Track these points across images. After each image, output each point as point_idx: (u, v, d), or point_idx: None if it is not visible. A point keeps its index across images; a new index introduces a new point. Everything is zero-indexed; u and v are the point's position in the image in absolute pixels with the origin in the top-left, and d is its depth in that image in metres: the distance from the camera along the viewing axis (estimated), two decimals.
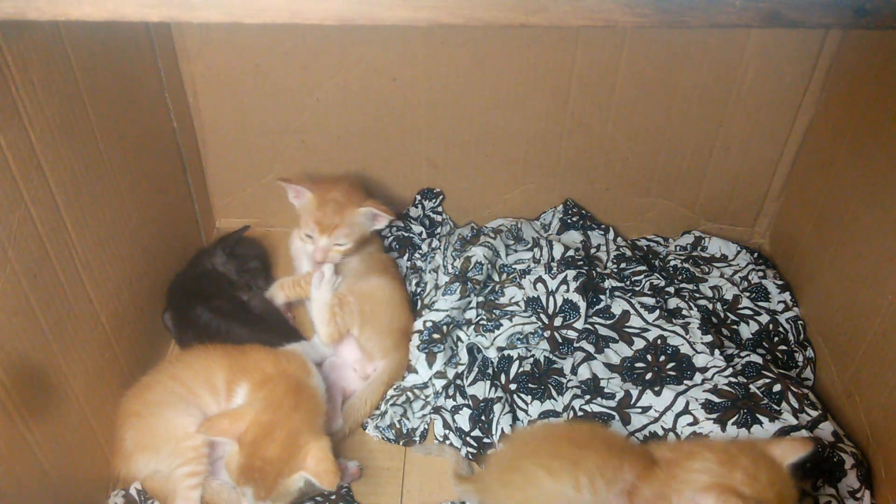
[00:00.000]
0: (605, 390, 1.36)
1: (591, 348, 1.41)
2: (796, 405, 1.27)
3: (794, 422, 1.23)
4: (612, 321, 1.45)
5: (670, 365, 1.37)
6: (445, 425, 1.39)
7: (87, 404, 1.21)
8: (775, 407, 1.26)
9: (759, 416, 1.24)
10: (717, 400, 1.28)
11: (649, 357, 1.39)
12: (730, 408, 1.26)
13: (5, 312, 1.01)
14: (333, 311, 1.43)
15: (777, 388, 1.29)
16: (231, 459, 1.17)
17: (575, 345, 1.43)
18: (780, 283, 1.58)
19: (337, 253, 1.47)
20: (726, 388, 1.29)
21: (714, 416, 1.25)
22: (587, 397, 1.34)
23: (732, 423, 1.24)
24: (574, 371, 1.39)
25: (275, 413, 1.19)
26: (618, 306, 1.47)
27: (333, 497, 1.28)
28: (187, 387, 1.29)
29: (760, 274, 1.61)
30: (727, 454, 1.03)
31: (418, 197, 1.76)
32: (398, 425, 1.39)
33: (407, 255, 1.69)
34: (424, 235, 1.73)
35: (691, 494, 0.99)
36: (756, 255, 1.68)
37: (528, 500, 1.08)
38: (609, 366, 1.39)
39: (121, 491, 1.25)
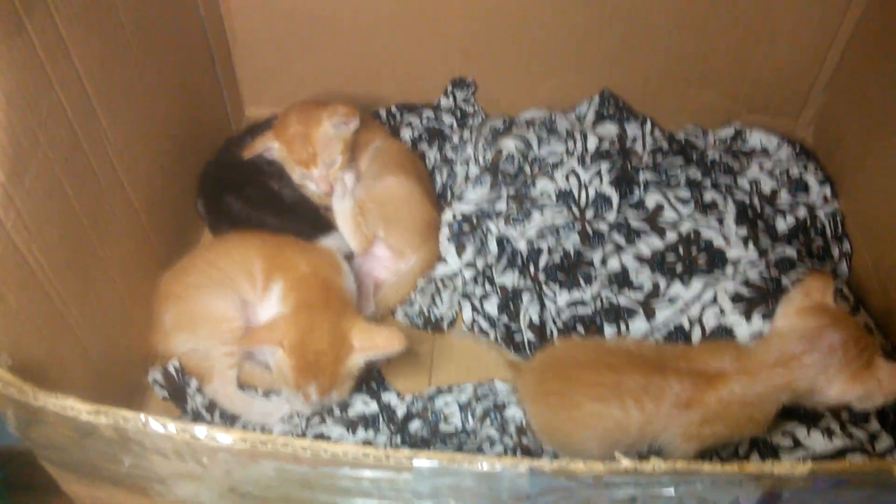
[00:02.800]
0: (634, 283, 1.35)
1: (621, 240, 1.40)
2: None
3: None
4: (645, 214, 1.43)
5: (702, 258, 1.35)
6: (474, 309, 1.41)
7: (124, 285, 1.25)
8: None
9: None
10: (746, 293, 1.26)
11: (681, 250, 1.37)
12: (758, 300, 1.24)
13: (39, 196, 1.03)
14: (357, 220, 1.42)
15: None
16: (282, 365, 1.19)
17: (606, 237, 1.42)
18: (820, 176, 1.54)
19: (339, 172, 1.43)
20: (757, 281, 1.28)
21: (741, 307, 1.24)
22: (615, 287, 1.34)
23: (758, 316, 1.23)
24: (604, 263, 1.39)
25: (309, 312, 1.22)
26: (651, 199, 1.44)
27: (366, 377, 1.32)
28: (225, 273, 1.31)
29: (801, 167, 1.56)
30: (816, 334, 1.01)
31: (450, 87, 1.73)
32: (427, 313, 1.41)
33: (437, 146, 1.67)
34: (455, 127, 1.70)
35: (846, 386, 0.99)
36: (798, 147, 1.62)
37: (572, 420, 1.09)
38: (639, 258, 1.38)
39: (160, 367, 1.30)
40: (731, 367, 1.03)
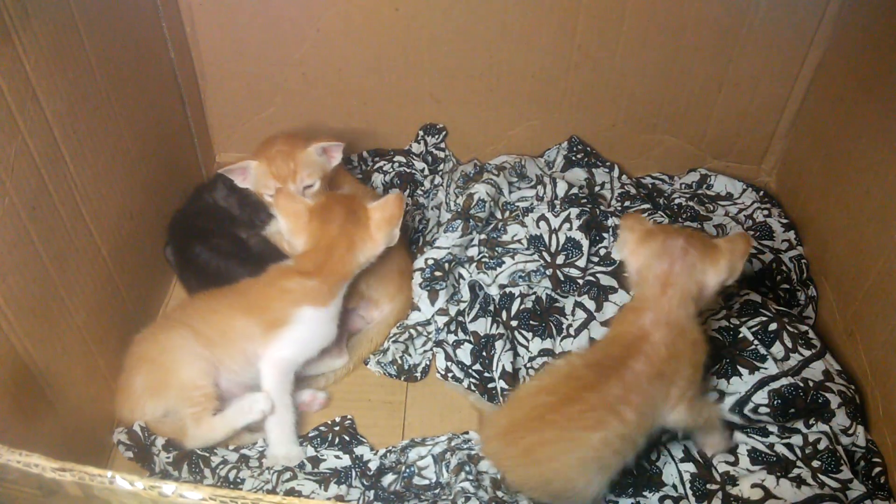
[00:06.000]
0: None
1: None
2: (789, 345, 1.24)
3: (774, 371, 1.21)
4: (613, 266, 1.43)
5: None
6: (447, 358, 1.40)
7: (90, 336, 1.22)
8: (762, 351, 1.24)
9: (739, 367, 1.22)
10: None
11: None
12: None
13: (5, 244, 1.01)
14: None
15: (773, 326, 1.26)
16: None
17: (577, 283, 1.42)
18: (784, 221, 1.57)
19: (311, 197, 1.40)
20: (714, 333, 1.27)
21: None
22: (586, 335, 1.34)
23: (712, 374, 1.23)
24: (574, 311, 1.39)
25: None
26: None
27: (337, 428, 1.30)
28: (200, 334, 1.27)
29: (765, 212, 1.59)
30: (665, 248, 1.10)
31: (421, 132, 1.74)
32: (400, 361, 1.40)
33: (408, 191, 1.67)
34: (427, 172, 1.71)
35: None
36: (762, 193, 1.66)
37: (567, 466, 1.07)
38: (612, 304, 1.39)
39: (124, 428, 1.26)
40: (641, 319, 1.09)
